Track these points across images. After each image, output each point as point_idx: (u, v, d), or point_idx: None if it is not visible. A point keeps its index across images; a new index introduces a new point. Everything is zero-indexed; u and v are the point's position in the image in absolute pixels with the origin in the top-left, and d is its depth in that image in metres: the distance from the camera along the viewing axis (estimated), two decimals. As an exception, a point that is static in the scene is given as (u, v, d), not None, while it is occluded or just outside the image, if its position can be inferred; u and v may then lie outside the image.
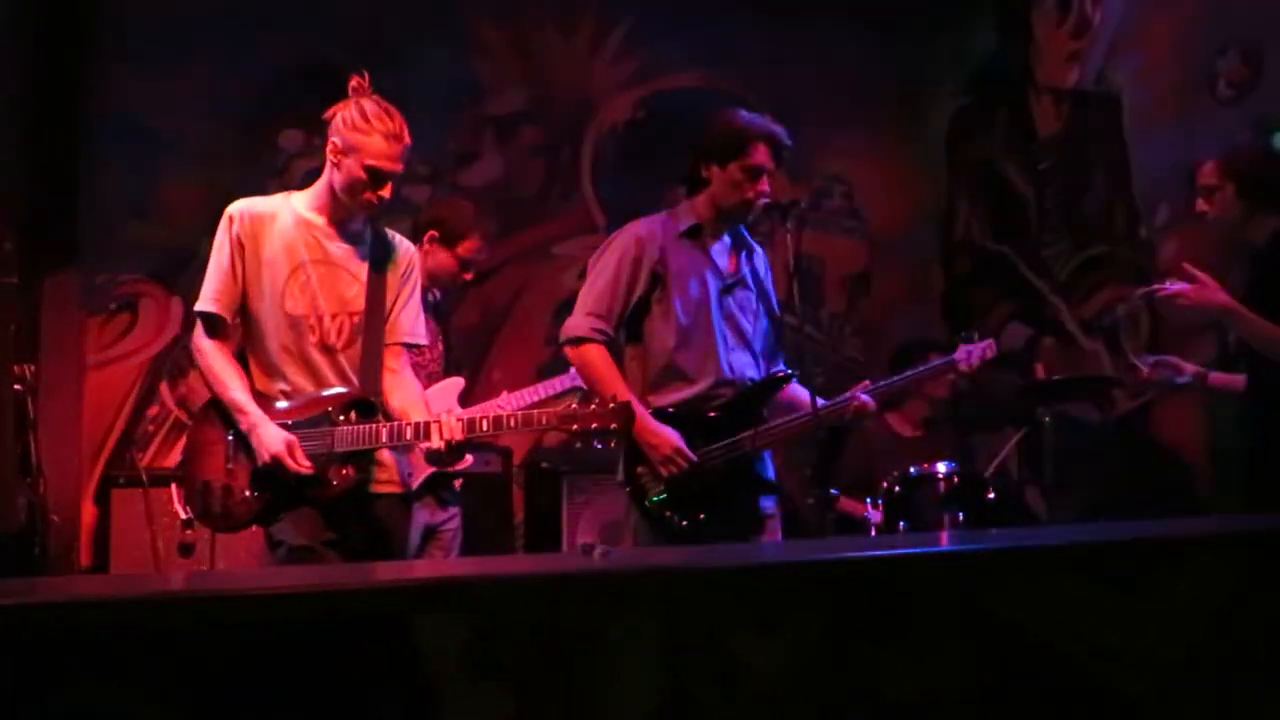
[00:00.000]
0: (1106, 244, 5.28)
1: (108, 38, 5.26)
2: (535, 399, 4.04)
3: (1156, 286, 3.42)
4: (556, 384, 4.07)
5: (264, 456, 2.81)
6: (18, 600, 1.56)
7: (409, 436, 2.85)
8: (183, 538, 4.16)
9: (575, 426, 2.78)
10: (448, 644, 1.65)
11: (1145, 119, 5.07)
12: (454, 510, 3.99)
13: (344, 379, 2.93)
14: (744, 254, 3.51)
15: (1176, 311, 3.36)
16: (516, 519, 5.31)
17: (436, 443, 2.78)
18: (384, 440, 2.86)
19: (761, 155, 3.33)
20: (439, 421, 2.80)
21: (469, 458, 4.00)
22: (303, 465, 2.82)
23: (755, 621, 1.82)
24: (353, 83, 2.91)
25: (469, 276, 4.03)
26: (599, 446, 2.89)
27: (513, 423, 2.84)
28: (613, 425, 2.79)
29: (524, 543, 5.25)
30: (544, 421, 2.85)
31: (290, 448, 2.81)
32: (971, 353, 3.73)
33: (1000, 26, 5.95)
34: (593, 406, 2.80)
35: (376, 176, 2.87)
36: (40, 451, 4.34)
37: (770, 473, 3.47)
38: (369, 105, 2.87)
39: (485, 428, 2.85)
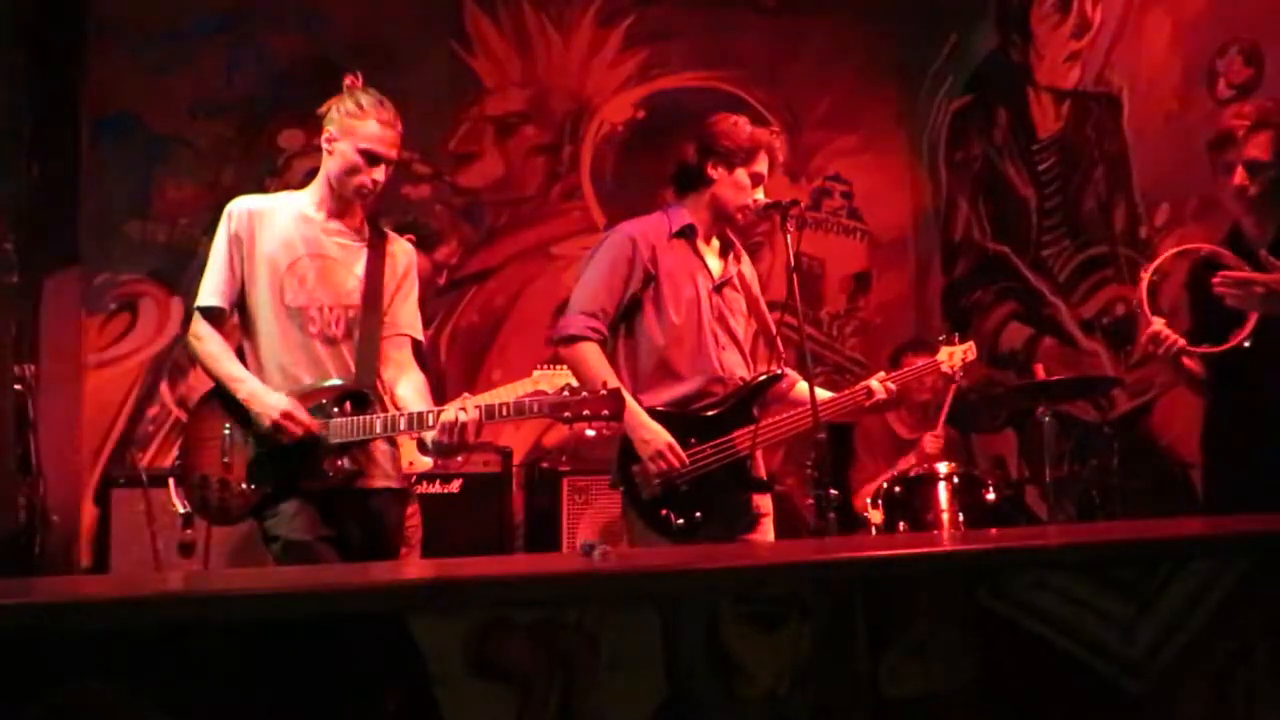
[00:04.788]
0: (1106, 244, 5.28)
1: (108, 38, 5.27)
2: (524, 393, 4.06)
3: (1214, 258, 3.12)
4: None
5: (266, 420, 2.82)
6: (18, 600, 1.56)
7: (403, 426, 2.86)
8: (182, 537, 4.15)
9: (567, 414, 2.78)
10: (448, 644, 1.65)
11: (1145, 119, 5.07)
12: (414, 507, 4.01)
13: (346, 370, 2.95)
14: (731, 257, 3.56)
15: (1247, 300, 3.15)
16: (516, 519, 5.31)
17: (436, 434, 2.80)
18: (378, 431, 2.87)
19: (765, 164, 3.43)
20: (434, 411, 2.82)
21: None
22: (307, 423, 2.83)
23: (755, 621, 1.82)
24: (347, 80, 3.00)
25: (442, 281, 4.06)
26: (590, 434, 2.90)
27: (505, 411, 2.85)
28: (604, 411, 2.79)
29: (524, 543, 5.24)
30: (535, 409, 2.85)
31: (293, 408, 2.83)
32: (952, 355, 3.72)
33: (1000, 26, 5.95)
34: (583, 394, 2.81)
35: (371, 159, 2.94)
36: (40, 451, 4.34)
37: (761, 471, 3.48)
38: (363, 96, 2.97)
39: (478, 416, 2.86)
